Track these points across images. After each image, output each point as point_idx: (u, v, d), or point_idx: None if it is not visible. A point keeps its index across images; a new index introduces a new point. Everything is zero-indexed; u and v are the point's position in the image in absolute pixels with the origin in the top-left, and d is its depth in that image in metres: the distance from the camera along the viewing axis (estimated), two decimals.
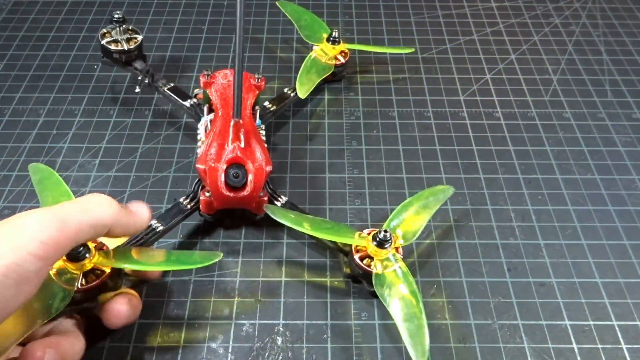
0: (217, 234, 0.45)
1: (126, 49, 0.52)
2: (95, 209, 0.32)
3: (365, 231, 0.40)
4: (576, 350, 0.38)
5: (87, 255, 0.35)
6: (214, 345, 0.38)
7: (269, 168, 0.42)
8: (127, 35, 0.53)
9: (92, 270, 0.36)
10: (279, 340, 0.39)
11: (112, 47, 0.52)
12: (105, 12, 0.67)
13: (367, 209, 0.46)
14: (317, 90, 0.57)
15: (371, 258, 0.39)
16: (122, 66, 0.54)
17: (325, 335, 0.39)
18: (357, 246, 0.40)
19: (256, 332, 0.39)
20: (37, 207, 0.46)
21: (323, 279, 0.42)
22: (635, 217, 0.46)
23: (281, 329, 0.39)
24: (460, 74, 0.60)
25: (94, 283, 0.35)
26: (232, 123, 0.42)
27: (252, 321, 0.40)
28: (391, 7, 0.69)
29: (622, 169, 0.50)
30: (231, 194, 0.41)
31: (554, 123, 0.54)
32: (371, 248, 0.39)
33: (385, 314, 0.39)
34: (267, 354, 0.38)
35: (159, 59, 0.60)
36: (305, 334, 0.39)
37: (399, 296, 0.37)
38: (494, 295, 0.41)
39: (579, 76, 0.60)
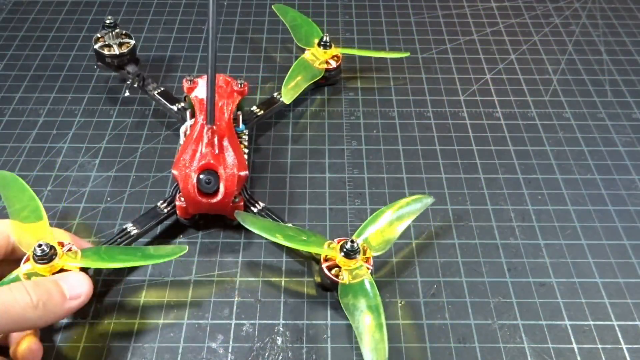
0: (217, 234, 0.45)
1: (117, 53, 0.53)
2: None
3: (336, 240, 0.40)
4: (576, 350, 0.38)
5: (54, 256, 0.36)
6: (214, 345, 0.38)
7: (243, 173, 0.42)
8: (120, 40, 0.54)
9: (61, 271, 0.36)
10: (279, 340, 0.39)
11: (105, 51, 0.53)
12: (106, 12, 0.67)
13: (367, 209, 0.46)
14: (317, 90, 0.57)
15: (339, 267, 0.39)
16: (116, 70, 0.55)
17: (325, 335, 0.39)
18: (326, 255, 0.40)
19: (256, 332, 0.39)
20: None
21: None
22: (635, 217, 0.46)
23: (281, 329, 0.39)
24: (460, 74, 0.60)
25: None
26: (205, 129, 0.42)
27: (252, 321, 0.40)
28: (391, 7, 0.69)
29: (622, 169, 0.50)
30: (203, 200, 0.41)
31: (554, 123, 0.54)
32: (339, 258, 0.39)
33: (386, 316, 0.39)
34: (267, 354, 0.38)
35: (158, 59, 0.60)
36: (305, 334, 0.39)
37: (362, 309, 0.37)
38: (494, 295, 0.41)
39: (579, 76, 0.60)
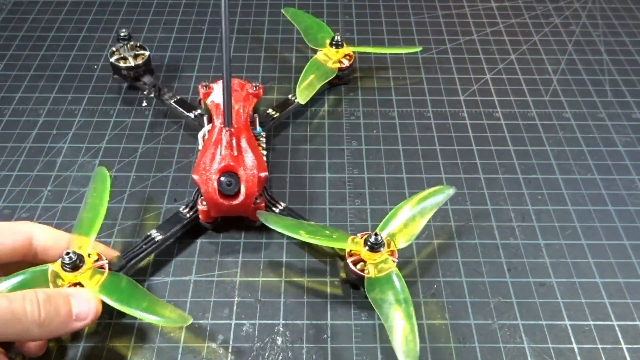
0: (217, 234, 0.45)
1: (133, 65, 0.54)
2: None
3: (360, 235, 0.40)
4: (576, 350, 0.38)
5: (78, 267, 0.36)
6: (214, 345, 0.38)
7: (263, 174, 0.42)
8: (135, 52, 0.55)
9: (79, 283, 0.37)
10: (279, 340, 0.39)
11: (121, 64, 0.54)
12: (106, 12, 0.67)
13: (367, 209, 0.46)
14: (321, 90, 0.56)
15: (365, 262, 0.39)
16: (132, 82, 0.55)
17: (325, 335, 0.39)
18: (351, 250, 0.40)
19: (256, 332, 0.39)
20: (37, 206, 0.46)
21: (323, 279, 0.42)
22: (635, 217, 0.46)
23: (281, 329, 0.39)
24: (460, 74, 0.60)
25: None
26: (223, 132, 0.42)
27: (252, 321, 0.40)
28: (391, 7, 0.69)
29: (622, 169, 0.50)
30: (225, 202, 0.41)
31: (554, 123, 0.54)
32: (364, 252, 0.39)
33: None
34: (267, 354, 0.38)
35: (158, 59, 0.60)
36: (305, 334, 0.39)
37: (390, 301, 0.37)
38: (494, 295, 0.41)
39: (579, 76, 0.60)
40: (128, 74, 0.55)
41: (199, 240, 0.44)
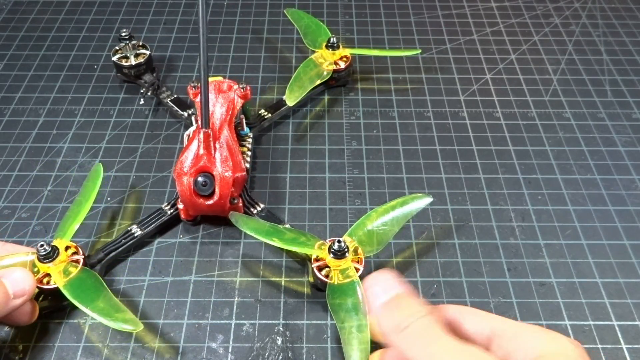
0: (217, 234, 0.45)
1: (134, 63, 0.55)
2: None
3: (329, 240, 0.40)
4: None
5: (51, 259, 0.38)
6: (214, 345, 0.38)
7: (239, 175, 0.43)
8: (136, 51, 0.56)
9: (46, 275, 0.38)
10: (279, 340, 0.39)
11: (123, 62, 0.56)
12: (106, 12, 0.67)
13: (367, 209, 0.46)
14: (318, 90, 0.56)
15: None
16: (133, 80, 0.57)
17: (325, 335, 0.39)
18: (317, 255, 0.40)
19: (256, 332, 0.39)
20: (37, 206, 0.46)
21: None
22: (635, 217, 0.46)
23: (281, 329, 0.39)
24: (460, 74, 0.60)
25: (46, 287, 0.38)
26: (201, 132, 0.42)
27: (252, 321, 0.40)
28: (391, 7, 0.69)
29: (622, 169, 0.50)
30: (200, 202, 0.42)
31: (554, 123, 0.54)
32: (328, 258, 0.39)
33: None
34: (267, 354, 0.38)
35: (158, 59, 0.60)
36: (305, 334, 0.39)
37: (345, 309, 0.37)
38: (494, 295, 0.41)
39: (579, 76, 0.60)
40: (129, 72, 0.56)
41: (198, 241, 0.44)
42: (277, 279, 0.42)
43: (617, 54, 0.63)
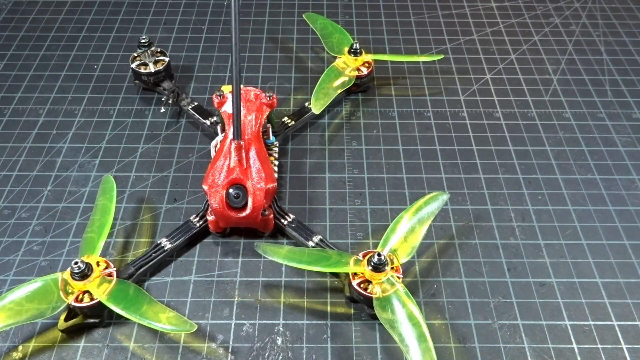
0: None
1: (153, 71, 0.54)
2: None
3: (361, 254, 0.40)
4: (576, 350, 0.38)
5: (87, 276, 0.37)
6: (214, 345, 0.38)
7: (270, 186, 0.42)
8: (155, 58, 0.55)
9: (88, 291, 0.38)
10: (279, 340, 0.39)
11: (142, 70, 0.54)
12: (106, 12, 0.67)
13: (367, 209, 0.46)
14: (340, 97, 0.56)
15: (370, 282, 0.39)
16: (152, 87, 0.56)
17: (325, 335, 0.39)
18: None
19: (256, 332, 0.39)
20: (37, 206, 0.46)
21: (323, 279, 0.42)
22: (635, 217, 0.46)
23: (281, 329, 0.39)
24: (460, 74, 0.60)
25: (86, 304, 0.37)
26: (233, 145, 0.42)
27: (252, 321, 0.40)
28: (391, 7, 0.69)
29: (622, 169, 0.50)
30: (232, 214, 0.42)
31: (554, 123, 0.54)
32: (368, 273, 0.38)
33: None
34: (267, 354, 0.38)
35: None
36: (305, 334, 0.39)
37: (401, 319, 0.36)
38: (494, 295, 0.41)
39: (579, 76, 0.60)
40: (148, 79, 0.55)
41: (199, 240, 0.44)
42: (277, 279, 0.42)
43: (617, 54, 0.63)
